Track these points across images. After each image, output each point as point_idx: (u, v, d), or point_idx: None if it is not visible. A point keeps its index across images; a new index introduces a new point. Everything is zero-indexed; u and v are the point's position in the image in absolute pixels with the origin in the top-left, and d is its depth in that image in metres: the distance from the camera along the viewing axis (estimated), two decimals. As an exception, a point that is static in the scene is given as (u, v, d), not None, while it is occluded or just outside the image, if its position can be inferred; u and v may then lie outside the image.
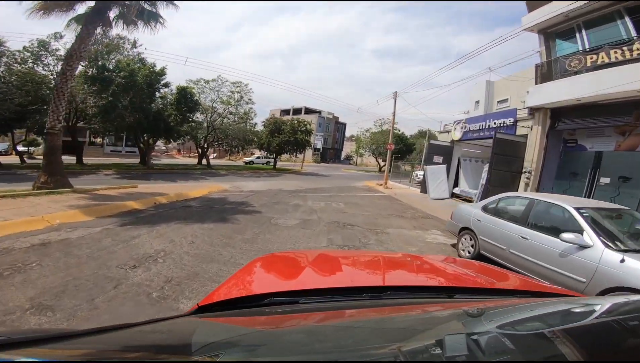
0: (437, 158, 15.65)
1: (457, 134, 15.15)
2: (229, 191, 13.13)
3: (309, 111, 64.69)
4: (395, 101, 21.65)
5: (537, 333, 0.74)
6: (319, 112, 64.23)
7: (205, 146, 28.58)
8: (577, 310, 0.96)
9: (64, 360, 0.60)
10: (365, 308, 1.03)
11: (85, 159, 21.54)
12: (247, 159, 37.97)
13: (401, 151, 44.94)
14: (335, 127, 67.98)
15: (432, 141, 16.30)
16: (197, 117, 26.56)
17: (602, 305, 1.01)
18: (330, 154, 65.82)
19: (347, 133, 73.24)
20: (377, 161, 46.36)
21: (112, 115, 18.67)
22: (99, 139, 37.51)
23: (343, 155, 71.58)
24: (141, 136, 22.49)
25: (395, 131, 45.11)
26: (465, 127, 14.53)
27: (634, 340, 0.68)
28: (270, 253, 2.02)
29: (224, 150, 36.14)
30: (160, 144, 47.03)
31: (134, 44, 22.54)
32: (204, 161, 26.91)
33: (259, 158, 36.88)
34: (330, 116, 66.70)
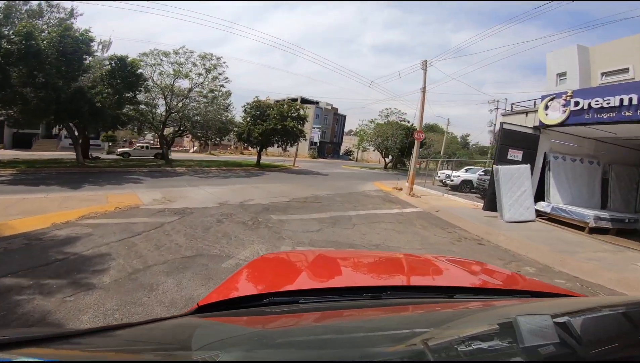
0: (515, 153, 9.23)
1: (554, 116, 8.69)
2: (132, 210, 6.69)
3: (305, 101, 57.84)
4: (425, 73, 15.27)
5: (537, 333, 0.72)
6: (317, 102, 57.66)
7: (170, 136, 22.09)
8: (578, 309, 0.94)
9: (64, 360, 0.59)
10: (365, 308, 1.01)
11: (28, 155, 15.53)
12: (122, 150, 25.52)
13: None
14: (334, 120, 61.26)
15: (507, 125, 9.64)
16: (154, 101, 20.05)
17: (603, 304, 1.03)
18: (329, 149, 59.26)
19: (346, 128, 66.80)
20: (382, 157, 39.87)
21: (3, 93, 12.40)
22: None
23: (342, 150, 65.08)
24: (63, 123, 16.03)
25: (404, 123, 38.71)
26: (575, 103, 8.09)
27: (634, 340, 0.65)
28: (269, 253, 2.05)
29: (204, 142, 29.60)
30: (150, 138, 39.47)
31: (72, 13, 16.54)
32: (181, 154, 20.39)
33: (142, 147, 25.70)
34: (329, 107, 60.14)
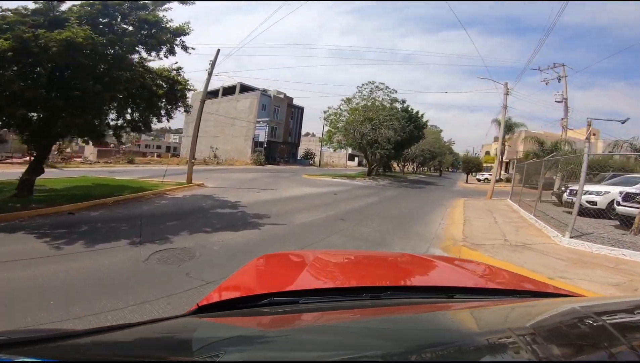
0: None
1: None
2: None
3: (246, 88, 41.59)
4: None
5: (536, 333, 0.71)
6: (263, 90, 41.85)
7: None
8: (577, 310, 0.90)
9: (64, 360, 0.58)
10: (365, 308, 0.99)
11: None
12: None
13: (412, 137, 24.32)
14: (289, 113, 45.63)
15: None
16: None
17: (603, 305, 1.02)
18: (282, 150, 43.40)
19: (304, 130, 51.62)
20: (367, 159, 25.18)
21: None
22: None
23: (300, 152, 49.73)
24: None
25: (405, 105, 24.52)
26: None
27: (634, 341, 0.63)
28: (269, 253, 1.88)
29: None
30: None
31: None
32: None
33: None
34: (281, 96, 44.51)
